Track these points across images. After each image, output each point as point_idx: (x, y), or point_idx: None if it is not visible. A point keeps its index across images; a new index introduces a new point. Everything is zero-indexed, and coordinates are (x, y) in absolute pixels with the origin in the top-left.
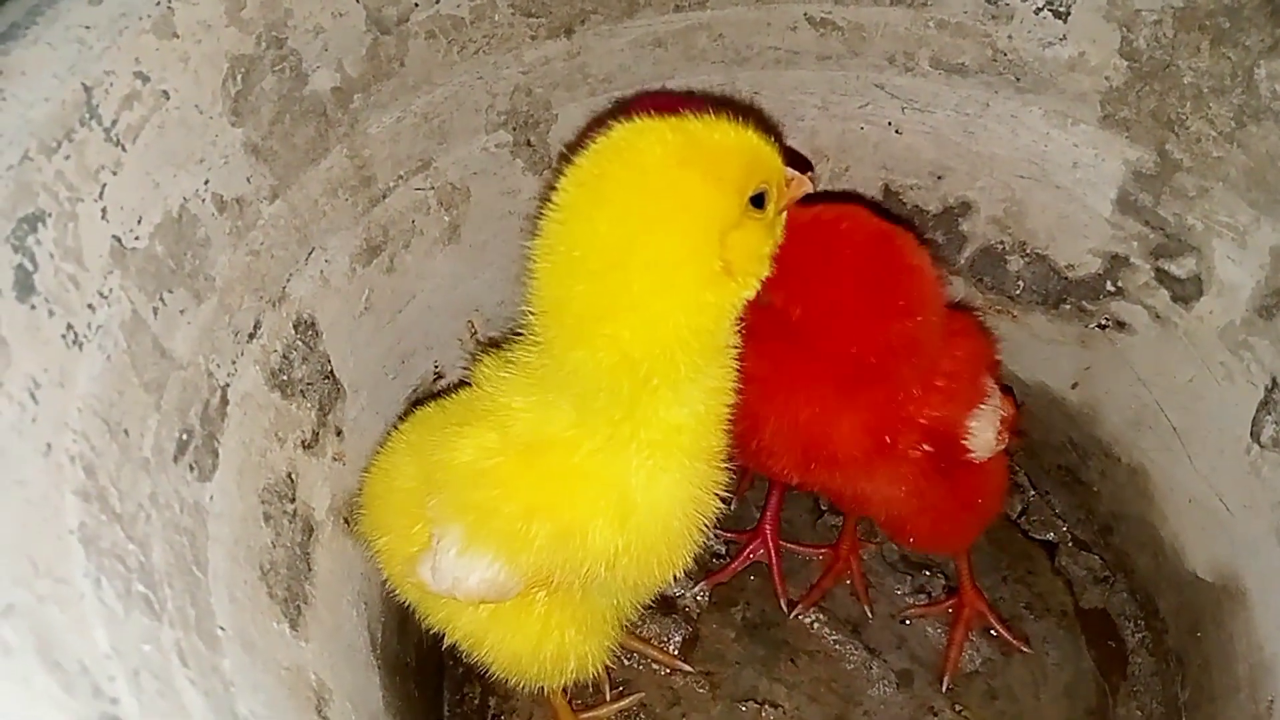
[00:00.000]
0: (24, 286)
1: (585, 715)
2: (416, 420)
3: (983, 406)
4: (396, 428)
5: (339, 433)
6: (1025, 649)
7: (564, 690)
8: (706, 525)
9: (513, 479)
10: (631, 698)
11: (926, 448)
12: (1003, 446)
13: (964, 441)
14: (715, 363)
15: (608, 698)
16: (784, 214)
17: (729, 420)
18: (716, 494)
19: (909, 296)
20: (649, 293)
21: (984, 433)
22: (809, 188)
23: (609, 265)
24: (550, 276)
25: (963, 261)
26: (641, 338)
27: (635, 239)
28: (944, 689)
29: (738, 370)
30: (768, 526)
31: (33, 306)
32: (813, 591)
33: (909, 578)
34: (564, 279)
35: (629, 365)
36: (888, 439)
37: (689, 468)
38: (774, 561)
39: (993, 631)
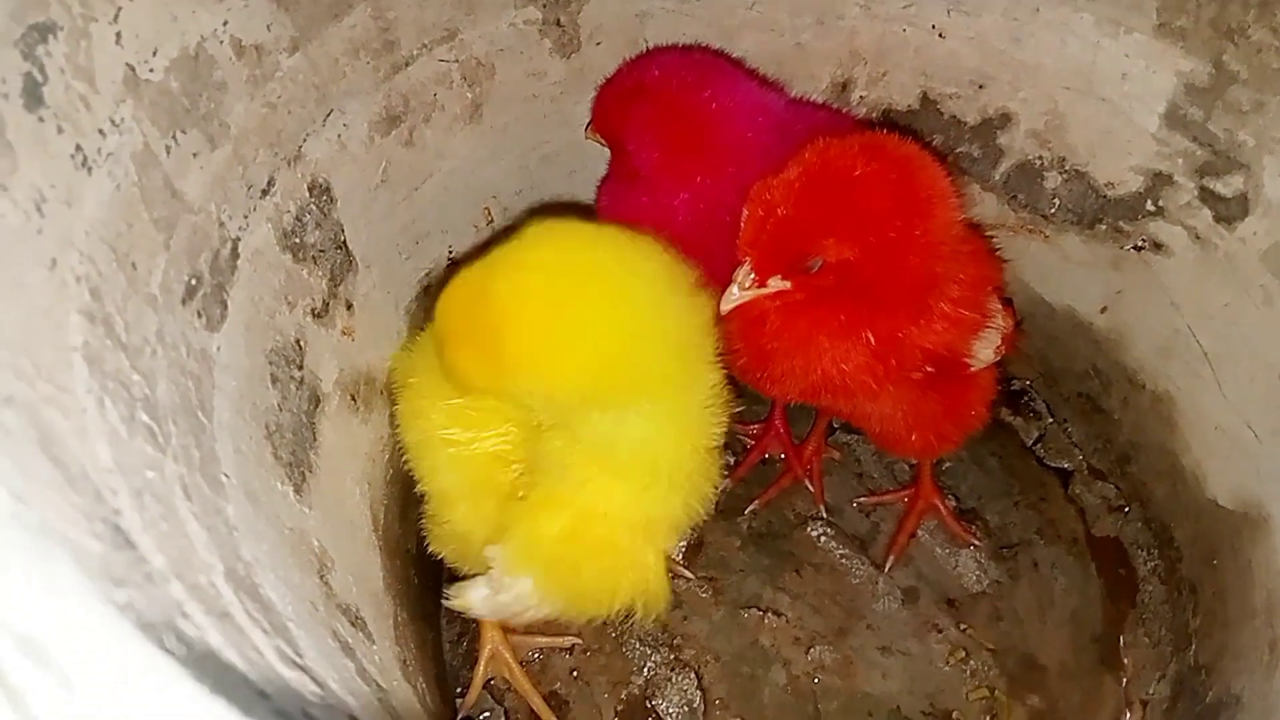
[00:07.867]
0: (32, 96)
1: (515, 637)
2: None
3: (987, 329)
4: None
5: (349, 306)
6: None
7: None
8: None
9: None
10: (567, 639)
11: (929, 369)
12: (998, 359)
13: (965, 359)
14: None
15: None
16: None
17: (732, 351)
18: None
19: None
20: None
21: (984, 351)
22: None
23: None
24: None
25: (997, 177)
26: None
27: None
28: (886, 571)
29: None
30: (777, 421)
31: (41, 119)
32: (769, 490)
33: None
34: None
35: None
36: (894, 362)
37: None
38: (789, 452)
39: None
